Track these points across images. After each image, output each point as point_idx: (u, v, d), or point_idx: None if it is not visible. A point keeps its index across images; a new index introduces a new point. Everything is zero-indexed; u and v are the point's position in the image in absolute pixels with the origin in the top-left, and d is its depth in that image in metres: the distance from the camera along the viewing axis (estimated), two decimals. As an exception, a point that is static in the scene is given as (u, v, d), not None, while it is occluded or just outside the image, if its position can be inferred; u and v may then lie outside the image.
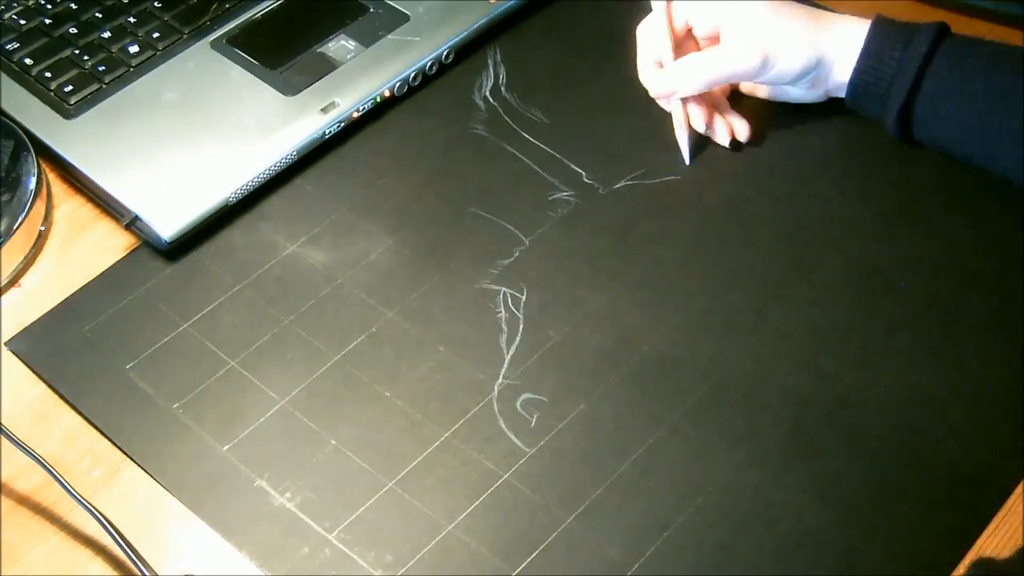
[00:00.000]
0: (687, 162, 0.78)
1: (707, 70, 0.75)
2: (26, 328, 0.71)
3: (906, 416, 0.65)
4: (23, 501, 0.64)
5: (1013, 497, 0.62)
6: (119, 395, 0.67)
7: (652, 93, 0.79)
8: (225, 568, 0.61)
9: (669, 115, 0.79)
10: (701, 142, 0.78)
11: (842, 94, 0.76)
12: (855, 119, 0.78)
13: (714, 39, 0.77)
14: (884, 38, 0.72)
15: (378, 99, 0.81)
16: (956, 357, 0.67)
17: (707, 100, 0.79)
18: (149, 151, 0.77)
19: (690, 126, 0.78)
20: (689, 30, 0.78)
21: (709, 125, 0.78)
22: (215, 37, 0.84)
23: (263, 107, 0.80)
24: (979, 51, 0.72)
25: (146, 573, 0.58)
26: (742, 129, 0.79)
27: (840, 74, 0.75)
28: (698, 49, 0.79)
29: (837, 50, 0.74)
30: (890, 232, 0.74)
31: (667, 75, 0.77)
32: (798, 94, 0.78)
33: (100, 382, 0.68)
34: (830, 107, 0.78)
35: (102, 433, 0.66)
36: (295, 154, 0.78)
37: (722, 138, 0.78)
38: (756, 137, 0.79)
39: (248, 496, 0.63)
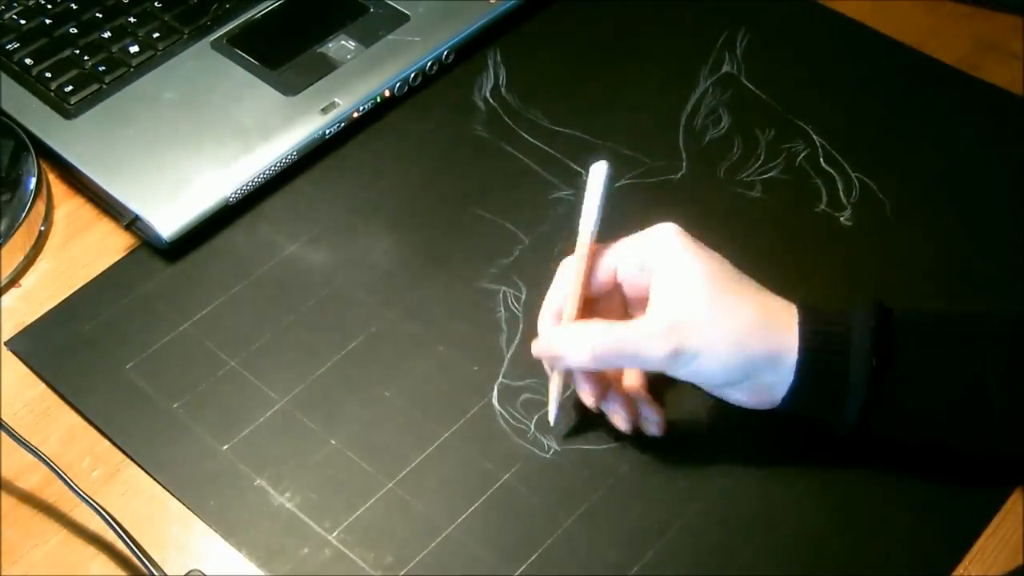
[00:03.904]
0: (553, 428, 0.65)
1: (600, 347, 0.59)
2: (26, 328, 0.71)
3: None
4: (24, 500, 0.64)
5: (1012, 498, 0.62)
6: (119, 395, 0.67)
7: (532, 350, 0.63)
8: (225, 568, 0.61)
9: (669, 114, 0.79)
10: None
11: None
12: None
13: (642, 303, 0.60)
14: (820, 341, 0.58)
15: (378, 99, 0.81)
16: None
17: (606, 374, 0.64)
18: (149, 151, 0.77)
19: (565, 396, 0.64)
20: (617, 284, 0.62)
21: (598, 405, 0.63)
22: (215, 37, 0.84)
23: (263, 107, 0.79)
24: (926, 333, 0.60)
25: (150, 567, 0.58)
26: (654, 422, 0.64)
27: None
28: (621, 311, 0.64)
29: (784, 357, 0.59)
30: (891, 231, 0.74)
31: (548, 337, 0.62)
32: (736, 397, 0.61)
33: (100, 382, 0.68)
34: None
35: (102, 433, 0.66)
36: (295, 154, 0.78)
37: (621, 423, 0.63)
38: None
39: (248, 496, 0.63)
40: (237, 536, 0.62)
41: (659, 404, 0.64)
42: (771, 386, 0.59)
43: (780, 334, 0.59)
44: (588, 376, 0.63)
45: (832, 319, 0.59)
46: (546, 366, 0.64)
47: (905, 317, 0.60)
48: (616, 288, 0.63)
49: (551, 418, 0.65)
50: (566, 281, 0.62)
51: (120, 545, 0.60)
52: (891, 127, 0.80)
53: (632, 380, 0.65)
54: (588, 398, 0.63)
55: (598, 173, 0.62)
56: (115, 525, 0.59)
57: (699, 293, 0.59)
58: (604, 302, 0.64)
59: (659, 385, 0.66)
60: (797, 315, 0.59)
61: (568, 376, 0.64)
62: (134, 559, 0.59)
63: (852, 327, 0.59)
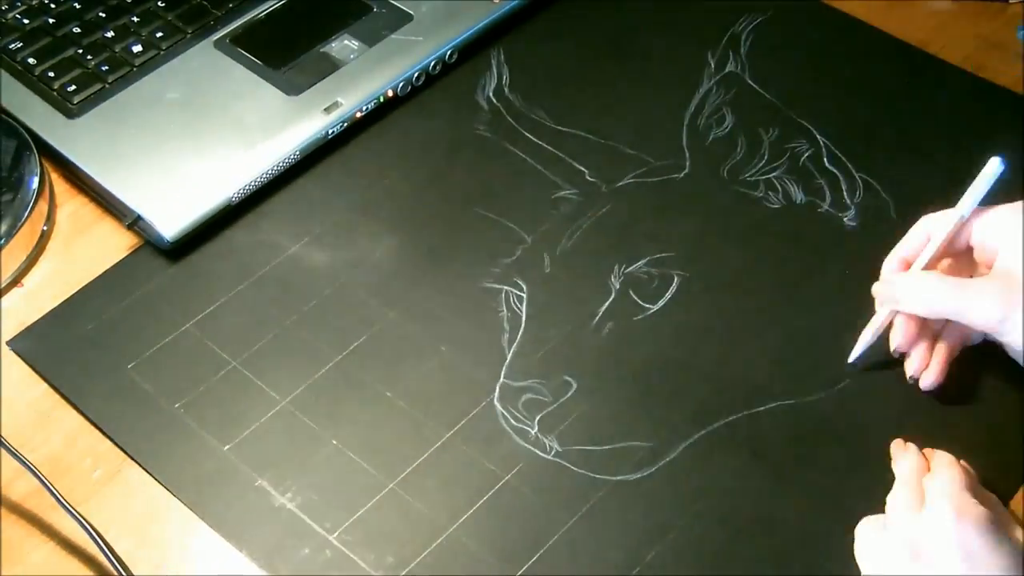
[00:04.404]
0: (852, 359, 0.68)
1: (934, 297, 0.63)
2: (28, 328, 0.71)
3: (906, 421, 0.65)
4: (23, 502, 0.64)
5: (1012, 503, 0.62)
6: (120, 395, 0.67)
7: (872, 290, 0.68)
8: (226, 568, 0.61)
9: (672, 114, 0.78)
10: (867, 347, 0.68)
11: None
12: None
13: (988, 267, 0.64)
14: None
15: (381, 99, 0.81)
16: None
17: (927, 325, 0.67)
18: (152, 151, 0.77)
19: (881, 334, 0.67)
20: (970, 249, 0.66)
21: (905, 349, 0.66)
22: (218, 37, 0.84)
23: (266, 107, 0.79)
24: None
25: None
26: (930, 376, 0.66)
27: None
28: (967, 275, 0.66)
29: None
30: (894, 231, 0.73)
31: (893, 281, 0.66)
32: None
33: (102, 382, 0.68)
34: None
35: (104, 433, 0.66)
36: (298, 154, 0.78)
37: (909, 368, 0.66)
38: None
39: (249, 496, 0.63)
40: (238, 536, 0.62)
41: (947, 369, 0.66)
42: None
43: None
44: (907, 322, 0.66)
45: None
46: (877, 304, 0.68)
47: None
48: (968, 251, 0.66)
49: (857, 351, 0.67)
50: (920, 238, 0.66)
51: (119, 546, 0.60)
52: (895, 127, 0.80)
53: (949, 336, 0.67)
54: (895, 342, 0.66)
55: (992, 166, 0.66)
56: (95, 536, 0.59)
57: None
58: (953, 261, 0.67)
59: (660, 386, 0.66)
60: None
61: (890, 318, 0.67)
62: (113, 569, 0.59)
63: None
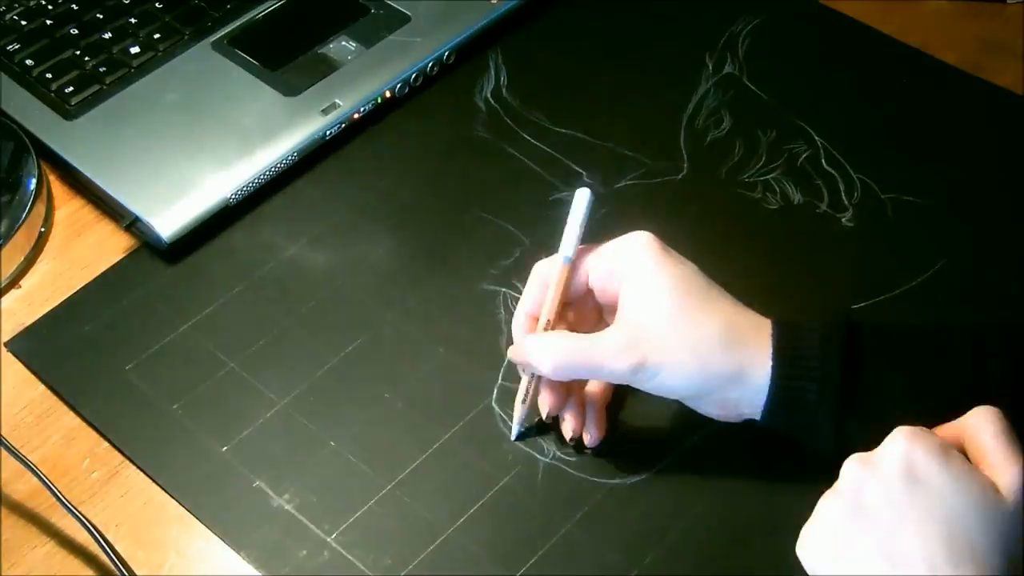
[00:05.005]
0: (512, 437, 0.64)
1: (562, 360, 0.59)
2: (26, 329, 0.71)
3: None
4: (24, 501, 0.64)
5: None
6: (118, 396, 0.67)
7: (508, 354, 0.64)
8: (224, 569, 0.61)
9: (670, 115, 0.78)
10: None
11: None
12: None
13: (614, 310, 0.60)
14: (790, 358, 0.58)
15: (379, 100, 0.81)
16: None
17: (570, 384, 0.64)
18: (150, 152, 0.77)
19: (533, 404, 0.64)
20: (590, 290, 0.63)
21: (556, 411, 0.63)
22: (216, 38, 0.84)
23: (264, 108, 0.79)
24: (896, 352, 0.58)
25: None
26: (591, 435, 0.63)
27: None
28: (596, 316, 0.64)
29: (750, 374, 0.58)
30: (892, 232, 0.74)
31: (524, 343, 0.62)
32: (706, 410, 0.61)
33: (100, 383, 0.68)
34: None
35: (101, 434, 0.66)
36: (295, 155, 0.78)
37: (566, 430, 0.63)
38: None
39: (247, 497, 0.63)
40: (236, 538, 0.62)
41: (605, 421, 0.64)
42: (737, 401, 0.59)
43: (745, 350, 0.58)
44: (550, 385, 0.63)
45: (804, 334, 0.58)
46: (519, 369, 0.64)
47: (874, 330, 0.59)
48: (590, 293, 0.63)
49: (515, 428, 0.64)
50: (540, 288, 0.62)
51: (116, 547, 0.60)
52: (893, 128, 0.80)
53: (595, 388, 0.65)
54: (544, 407, 0.63)
55: (581, 198, 0.63)
56: (98, 536, 0.59)
57: (662, 307, 0.58)
58: (578, 306, 0.64)
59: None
60: (771, 331, 0.58)
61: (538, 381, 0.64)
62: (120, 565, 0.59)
63: (822, 341, 0.58)
